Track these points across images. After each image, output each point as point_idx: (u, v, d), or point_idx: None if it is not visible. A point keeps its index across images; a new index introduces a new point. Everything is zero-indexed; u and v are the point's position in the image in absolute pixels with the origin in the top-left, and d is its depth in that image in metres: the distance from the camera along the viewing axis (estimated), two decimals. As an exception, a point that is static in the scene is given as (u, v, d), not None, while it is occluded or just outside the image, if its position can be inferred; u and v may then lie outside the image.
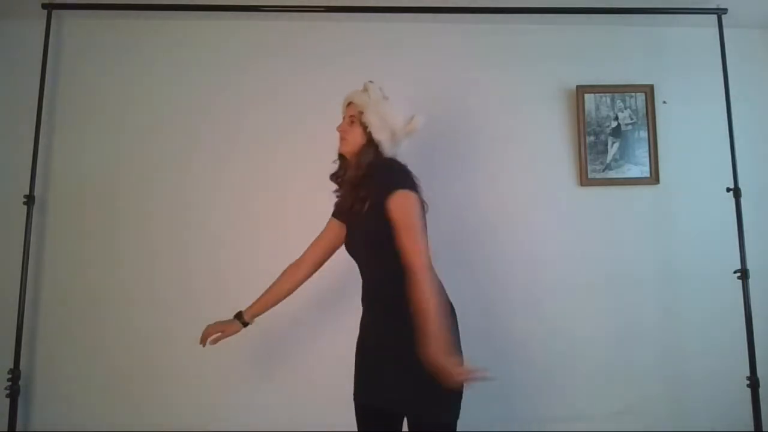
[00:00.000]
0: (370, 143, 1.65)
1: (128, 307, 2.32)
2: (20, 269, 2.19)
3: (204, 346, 1.78)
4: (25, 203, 2.21)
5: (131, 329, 2.31)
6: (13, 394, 2.12)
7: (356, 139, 1.67)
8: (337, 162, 1.77)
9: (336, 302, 2.28)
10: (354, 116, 1.68)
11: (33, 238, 2.24)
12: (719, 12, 2.35)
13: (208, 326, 1.79)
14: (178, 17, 2.40)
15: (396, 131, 1.67)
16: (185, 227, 2.38)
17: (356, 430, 1.64)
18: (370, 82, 1.72)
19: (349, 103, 1.72)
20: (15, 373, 2.12)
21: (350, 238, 1.70)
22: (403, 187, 1.54)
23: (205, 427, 2.26)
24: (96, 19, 2.41)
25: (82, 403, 2.27)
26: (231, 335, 1.79)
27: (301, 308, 2.36)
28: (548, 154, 2.48)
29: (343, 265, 1.77)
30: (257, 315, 1.82)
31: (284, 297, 1.83)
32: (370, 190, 1.59)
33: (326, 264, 1.85)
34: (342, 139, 1.70)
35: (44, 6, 2.26)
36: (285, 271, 1.82)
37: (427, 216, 1.63)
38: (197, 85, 2.44)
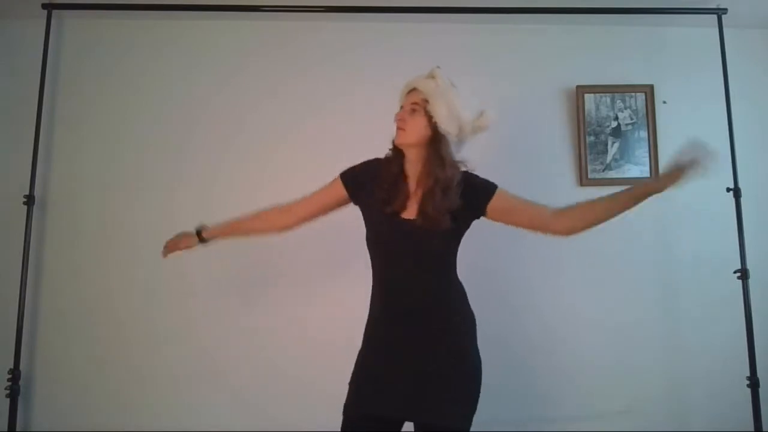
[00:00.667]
0: (437, 136, 1.48)
1: (128, 307, 2.33)
2: (20, 269, 2.19)
3: (165, 257, 1.77)
4: (25, 203, 2.21)
5: (131, 329, 2.31)
6: (13, 394, 2.12)
7: (418, 129, 1.48)
8: (390, 152, 1.58)
9: (339, 299, 2.28)
10: (417, 104, 1.49)
11: (33, 238, 2.24)
12: (719, 12, 2.35)
13: (168, 240, 1.77)
14: (177, 17, 2.40)
15: (464, 126, 1.50)
16: (185, 227, 2.36)
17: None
18: (438, 67, 1.53)
19: (412, 90, 1.53)
20: (15, 373, 2.13)
21: (401, 237, 1.50)
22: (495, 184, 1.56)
23: (205, 427, 2.26)
24: (96, 19, 2.41)
25: (82, 403, 2.28)
26: (185, 249, 1.76)
27: (302, 305, 2.36)
28: (548, 154, 2.48)
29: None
30: (216, 237, 1.74)
31: (251, 234, 1.75)
32: (462, 197, 1.49)
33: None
34: (400, 129, 1.50)
35: (44, 6, 2.26)
36: (265, 210, 1.68)
37: None
38: (197, 85, 2.44)
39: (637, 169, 2.46)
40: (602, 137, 2.48)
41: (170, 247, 1.77)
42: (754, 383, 2.16)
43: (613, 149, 2.47)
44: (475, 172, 1.60)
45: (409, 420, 1.50)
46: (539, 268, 2.41)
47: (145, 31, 2.46)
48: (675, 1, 2.33)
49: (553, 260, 2.41)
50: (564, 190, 2.46)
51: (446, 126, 1.48)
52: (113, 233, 2.36)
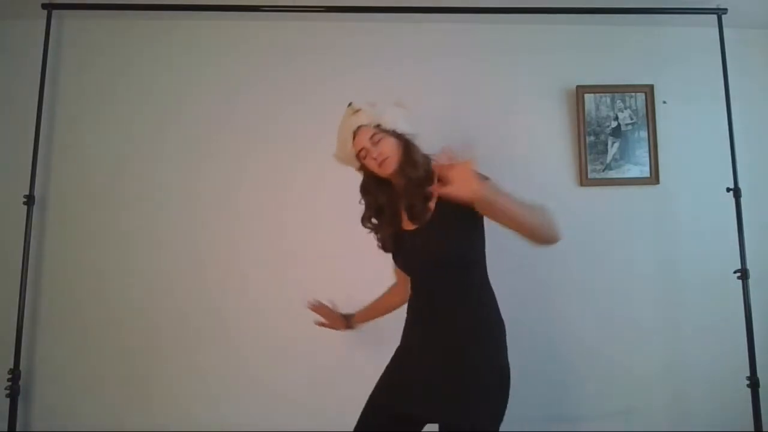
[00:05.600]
0: (408, 144, 1.58)
1: (128, 307, 2.32)
2: (20, 269, 2.19)
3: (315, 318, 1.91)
4: (25, 203, 2.21)
5: (131, 329, 2.31)
6: (13, 394, 2.12)
7: (393, 149, 1.56)
8: (362, 201, 1.67)
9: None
10: (375, 134, 1.57)
11: (33, 238, 2.24)
12: (719, 12, 2.35)
13: (322, 304, 1.91)
14: (178, 17, 2.40)
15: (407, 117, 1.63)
16: (186, 227, 2.38)
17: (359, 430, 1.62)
18: (350, 104, 1.63)
19: (358, 129, 1.59)
20: (15, 373, 2.12)
21: (410, 252, 1.60)
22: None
23: (206, 426, 2.26)
24: (96, 19, 2.41)
25: (82, 403, 2.27)
26: (331, 328, 1.93)
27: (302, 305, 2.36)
28: (548, 154, 2.48)
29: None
30: (363, 322, 1.93)
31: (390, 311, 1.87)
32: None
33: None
34: (380, 164, 1.55)
35: (44, 6, 2.26)
36: (387, 298, 1.89)
37: None
38: (197, 85, 2.44)
39: (637, 169, 2.46)
40: (602, 137, 2.48)
41: (323, 312, 1.93)
42: (754, 383, 2.16)
43: (613, 149, 2.47)
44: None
45: (437, 420, 1.53)
46: (539, 268, 2.41)
47: (145, 31, 2.46)
48: (675, 1, 2.34)
49: (553, 261, 2.41)
50: (564, 190, 2.46)
51: (406, 127, 1.60)
52: (113, 233, 2.36)
